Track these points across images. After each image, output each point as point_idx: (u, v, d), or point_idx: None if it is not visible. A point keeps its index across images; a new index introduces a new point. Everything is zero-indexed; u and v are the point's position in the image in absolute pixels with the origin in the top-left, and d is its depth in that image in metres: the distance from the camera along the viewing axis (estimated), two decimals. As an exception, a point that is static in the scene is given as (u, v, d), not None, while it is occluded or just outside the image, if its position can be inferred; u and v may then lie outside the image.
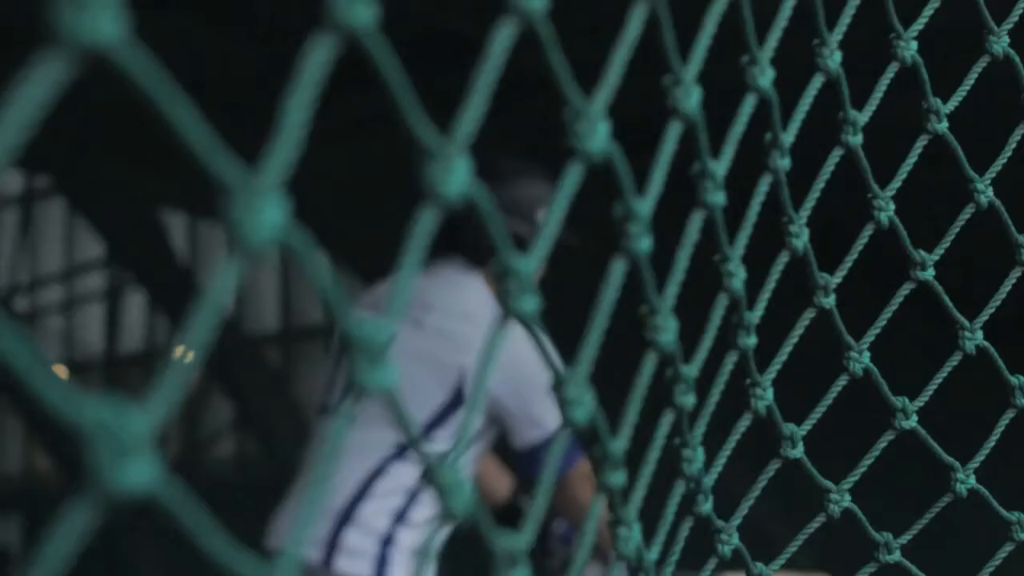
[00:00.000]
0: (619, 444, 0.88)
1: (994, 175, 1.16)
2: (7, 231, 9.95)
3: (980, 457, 1.24)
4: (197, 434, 9.37)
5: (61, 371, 9.62)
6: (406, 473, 2.64)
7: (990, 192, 1.16)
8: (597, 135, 0.78)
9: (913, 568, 1.27)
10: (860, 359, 1.12)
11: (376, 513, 2.63)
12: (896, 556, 1.24)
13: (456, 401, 2.69)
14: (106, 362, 9.32)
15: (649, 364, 0.90)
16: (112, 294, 9.51)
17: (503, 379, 2.55)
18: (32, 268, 9.98)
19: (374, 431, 2.28)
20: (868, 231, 1.08)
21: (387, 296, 2.75)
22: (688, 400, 0.96)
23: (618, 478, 0.90)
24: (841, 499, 1.18)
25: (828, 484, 1.19)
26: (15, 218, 9.95)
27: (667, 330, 0.89)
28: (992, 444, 1.24)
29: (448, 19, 5.18)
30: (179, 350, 0.64)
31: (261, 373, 8.04)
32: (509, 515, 2.95)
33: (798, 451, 1.15)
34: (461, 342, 2.68)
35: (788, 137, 0.97)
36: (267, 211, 0.63)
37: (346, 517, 2.61)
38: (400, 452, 2.63)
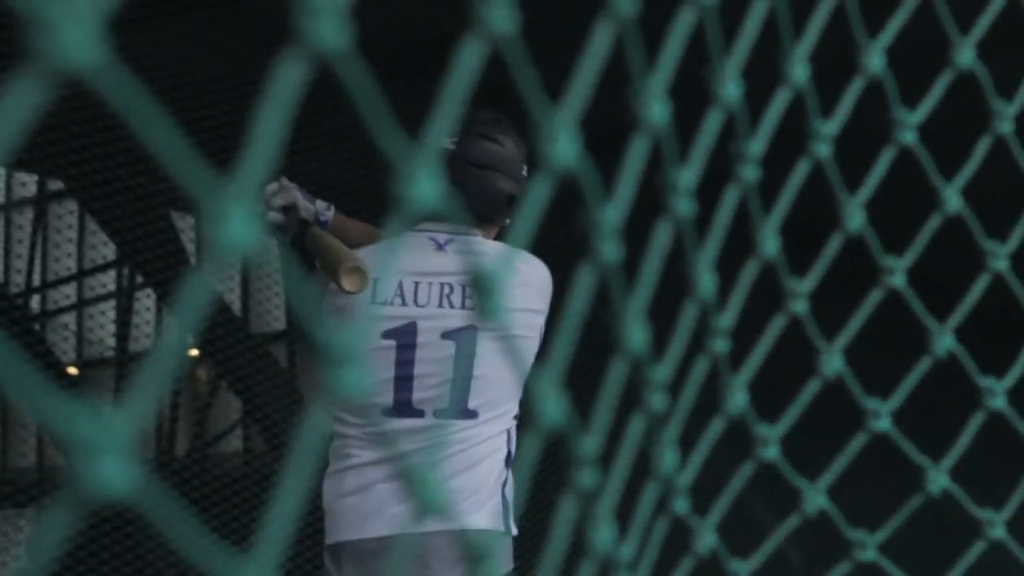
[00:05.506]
0: (590, 444, 0.91)
1: (962, 183, 1.19)
2: (21, 234, 10.01)
3: (952, 457, 1.27)
4: (206, 430, 9.42)
5: (72, 371, 9.68)
6: None
7: (955, 201, 1.18)
8: (562, 151, 0.80)
9: (890, 566, 1.29)
10: (832, 362, 1.14)
11: None
12: (872, 554, 1.26)
13: None
14: (118, 361, 9.36)
15: (619, 368, 0.93)
16: (123, 294, 9.55)
17: None
18: (45, 269, 10.05)
19: None
20: (837, 240, 1.10)
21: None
22: (659, 402, 0.99)
23: (590, 477, 0.92)
24: (816, 498, 1.20)
25: (803, 484, 1.21)
26: (29, 221, 10.02)
27: (636, 335, 0.92)
28: (964, 445, 1.27)
29: (449, 24, 5.20)
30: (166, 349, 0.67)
31: (268, 371, 8.08)
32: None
33: (773, 452, 1.17)
34: None
35: (757, 147, 1.00)
36: (235, 225, 0.65)
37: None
38: None
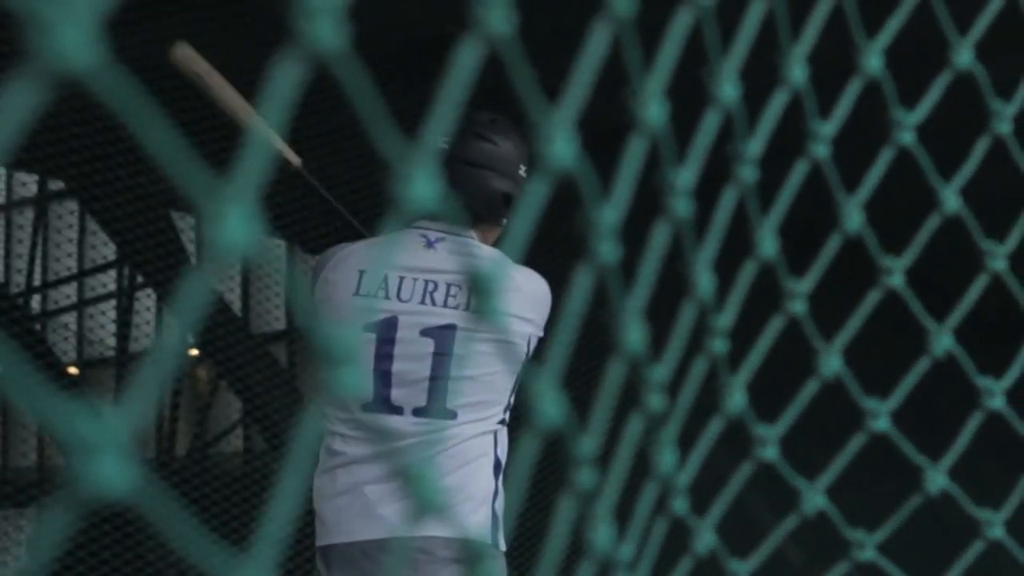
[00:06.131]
0: (589, 444, 0.91)
1: (961, 184, 1.19)
2: (22, 234, 10.03)
3: (951, 457, 1.27)
4: (206, 430, 9.43)
5: (72, 371, 9.68)
6: None
7: (954, 201, 1.19)
8: (560, 152, 0.80)
9: (889, 565, 1.30)
10: (830, 362, 1.14)
11: None
12: (870, 554, 1.27)
13: None
14: (118, 361, 9.36)
15: (617, 368, 0.93)
16: (124, 294, 9.56)
17: None
18: (46, 269, 10.06)
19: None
20: (835, 241, 1.10)
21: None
22: (657, 402, 0.99)
23: (588, 478, 0.92)
24: (814, 498, 1.21)
25: (802, 484, 1.21)
26: (29, 221, 10.03)
27: (634, 335, 0.92)
28: (963, 445, 1.27)
29: (449, 24, 5.20)
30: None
31: (268, 370, 8.08)
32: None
33: (771, 452, 1.17)
34: None
35: (755, 147, 1.00)
36: (233, 225, 0.65)
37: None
38: None
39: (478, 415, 2.87)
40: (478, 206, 2.95)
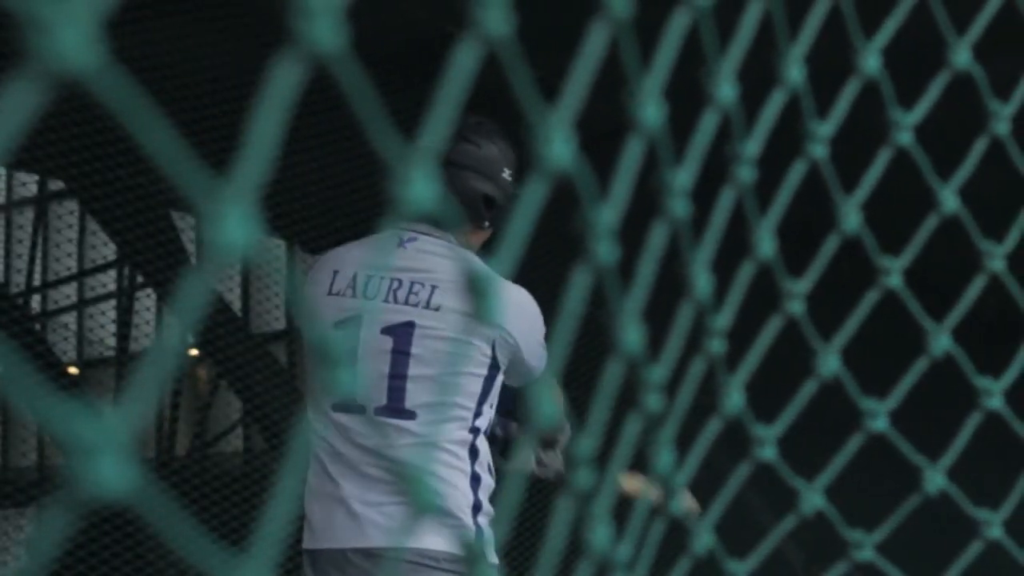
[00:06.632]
0: (587, 444, 0.91)
1: (959, 184, 1.19)
2: (22, 234, 10.04)
3: (949, 457, 1.27)
4: (206, 430, 9.44)
5: (72, 371, 9.69)
6: None
7: (952, 202, 1.19)
8: (558, 152, 0.80)
9: (887, 565, 1.30)
10: (828, 363, 1.14)
11: None
12: (869, 554, 1.27)
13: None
14: (118, 361, 9.37)
15: (615, 369, 0.93)
16: (124, 294, 9.57)
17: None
18: (46, 269, 10.06)
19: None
20: (833, 241, 1.11)
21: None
22: (655, 403, 0.99)
23: (587, 477, 0.92)
24: (812, 498, 1.21)
25: (800, 484, 1.21)
26: (29, 221, 10.05)
27: (632, 335, 0.92)
28: (962, 445, 1.27)
29: (450, 24, 5.22)
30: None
31: (268, 370, 8.09)
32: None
33: (770, 452, 1.17)
34: None
35: (753, 148, 1.00)
36: (231, 226, 0.65)
37: None
38: None
39: (438, 416, 2.86)
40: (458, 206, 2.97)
